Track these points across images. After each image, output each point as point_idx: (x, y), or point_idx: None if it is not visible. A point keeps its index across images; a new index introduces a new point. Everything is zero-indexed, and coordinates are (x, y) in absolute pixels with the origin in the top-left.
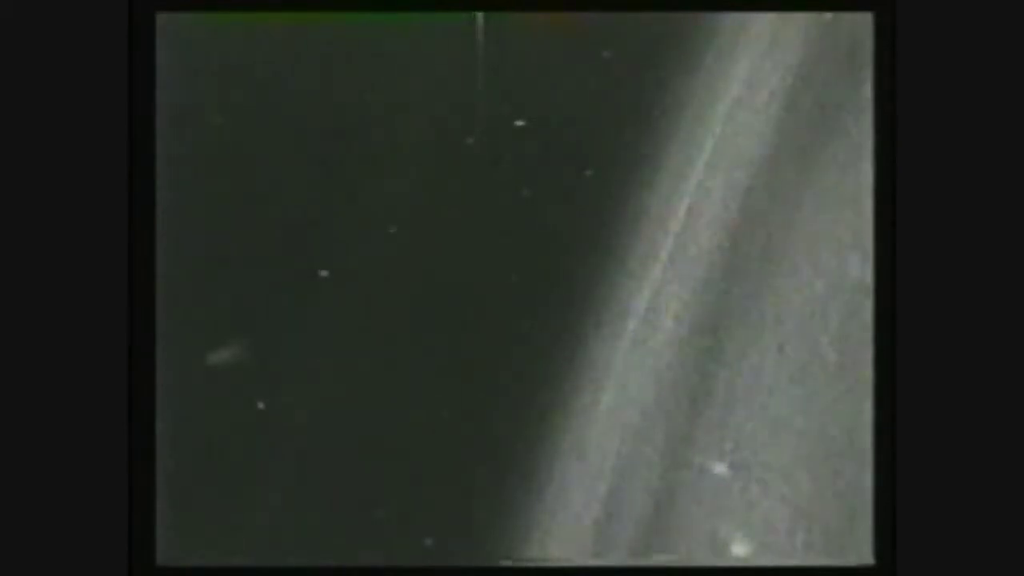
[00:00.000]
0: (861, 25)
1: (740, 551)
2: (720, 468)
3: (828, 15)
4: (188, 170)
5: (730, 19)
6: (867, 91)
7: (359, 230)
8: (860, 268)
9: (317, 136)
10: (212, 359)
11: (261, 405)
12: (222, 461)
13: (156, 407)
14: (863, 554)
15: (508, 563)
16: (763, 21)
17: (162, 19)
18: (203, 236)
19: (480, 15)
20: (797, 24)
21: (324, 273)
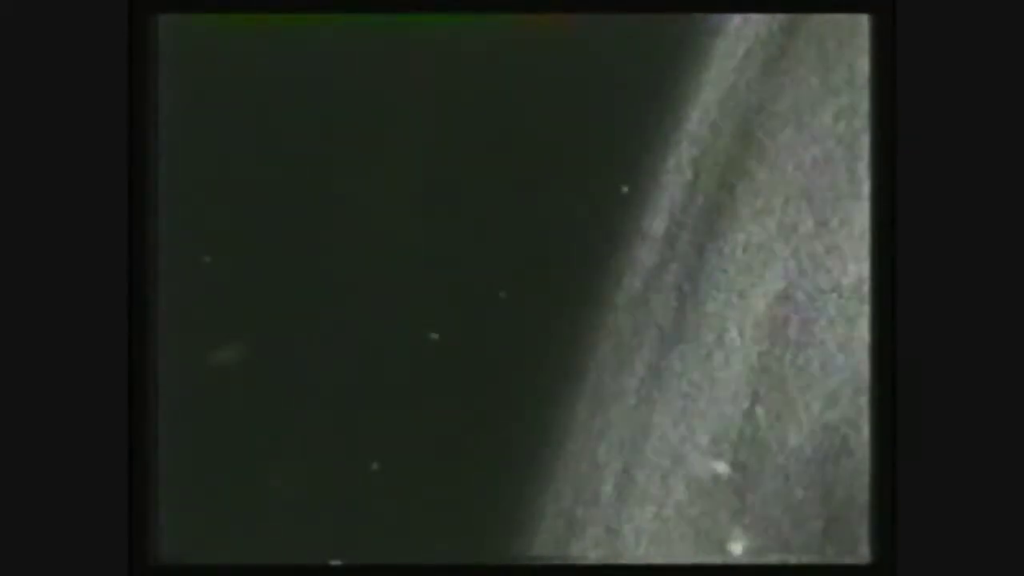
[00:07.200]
0: (858, 26)
1: (739, 551)
2: (720, 467)
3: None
4: (188, 170)
5: (731, 19)
6: (866, 92)
7: (361, 230)
8: (859, 267)
9: (318, 136)
10: (212, 359)
11: (260, 403)
12: (222, 461)
13: (156, 407)
14: (862, 553)
15: (508, 563)
16: (767, 21)
17: (162, 19)
18: (203, 236)
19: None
20: (799, 24)
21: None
